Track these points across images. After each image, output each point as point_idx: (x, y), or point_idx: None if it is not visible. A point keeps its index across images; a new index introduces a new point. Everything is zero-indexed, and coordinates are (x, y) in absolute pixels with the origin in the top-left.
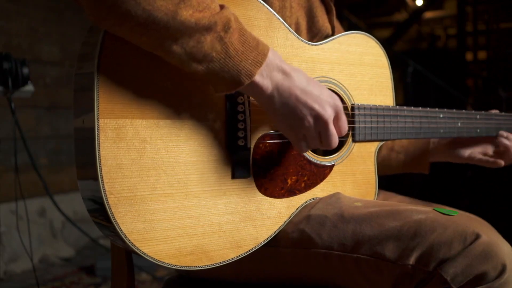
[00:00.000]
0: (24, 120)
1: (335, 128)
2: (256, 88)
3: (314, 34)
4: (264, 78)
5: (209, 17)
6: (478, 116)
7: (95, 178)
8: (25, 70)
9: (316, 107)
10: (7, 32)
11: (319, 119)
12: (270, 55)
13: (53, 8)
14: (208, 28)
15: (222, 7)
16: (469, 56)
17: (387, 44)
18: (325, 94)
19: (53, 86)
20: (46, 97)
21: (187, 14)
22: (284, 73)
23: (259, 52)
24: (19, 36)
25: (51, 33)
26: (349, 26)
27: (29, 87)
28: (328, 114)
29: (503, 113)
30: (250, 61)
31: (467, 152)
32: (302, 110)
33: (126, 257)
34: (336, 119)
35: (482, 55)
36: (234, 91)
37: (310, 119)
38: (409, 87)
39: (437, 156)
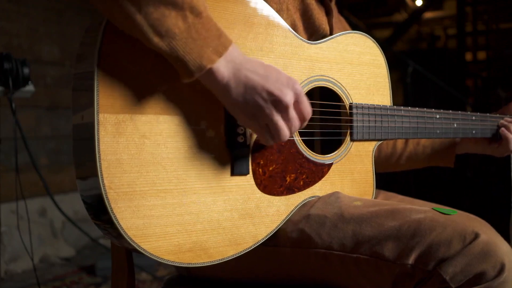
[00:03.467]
0: (25, 120)
1: (297, 112)
2: (212, 75)
3: (310, 35)
4: (221, 67)
5: None
6: (473, 118)
7: (95, 173)
8: (26, 70)
9: (276, 91)
10: (8, 32)
11: (278, 104)
12: (230, 48)
13: (53, 8)
14: (174, 3)
15: None
16: (468, 56)
17: (387, 44)
18: (283, 77)
19: (53, 86)
20: (47, 97)
21: None
22: (241, 63)
23: (221, 43)
24: (20, 36)
25: (51, 33)
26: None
27: (30, 87)
28: (288, 98)
29: (497, 115)
30: (211, 49)
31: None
32: (260, 96)
33: (126, 257)
34: (297, 103)
35: (481, 55)
36: (194, 78)
37: (269, 106)
38: (409, 87)
39: (466, 146)
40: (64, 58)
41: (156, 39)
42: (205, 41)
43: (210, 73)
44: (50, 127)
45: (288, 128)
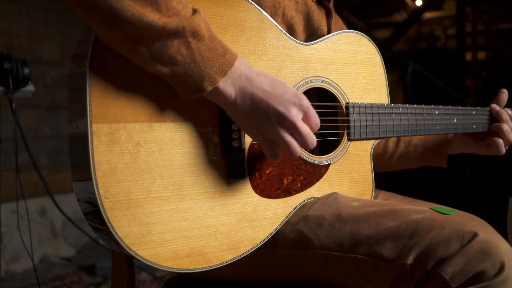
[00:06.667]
0: (25, 120)
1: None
2: (219, 95)
3: (308, 37)
4: (227, 86)
5: (177, 21)
6: (473, 112)
7: (90, 183)
8: (26, 70)
9: (280, 109)
10: (8, 33)
11: (283, 120)
12: (236, 63)
13: (53, 9)
14: (175, 33)
15: (194, 11)
16: (468, 56)
17: (387, 45)
18: (290, 94)
19: (53, 86)
20: (47, 97)
21: (155, 17)
22: (248, 79)
23: (226, 61)
24: (20, 36)
25: (51, 34)
26: (348, 27)
27: (30, 87)
28: (293, 114)
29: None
30: (215, 69)
31: (485, 141)
32: (265, 113)
33: (126, 257)
34: (306, 117)
35: (481, 55)
36: (196, 97)
37: (274, 122)
38: (409, 87)
39: (458, 147)
40: (64, 58)
41: (158, 66)
42: (209, 62)
43: (217, 92)
44: (50, 127)
45: (298, 144)
